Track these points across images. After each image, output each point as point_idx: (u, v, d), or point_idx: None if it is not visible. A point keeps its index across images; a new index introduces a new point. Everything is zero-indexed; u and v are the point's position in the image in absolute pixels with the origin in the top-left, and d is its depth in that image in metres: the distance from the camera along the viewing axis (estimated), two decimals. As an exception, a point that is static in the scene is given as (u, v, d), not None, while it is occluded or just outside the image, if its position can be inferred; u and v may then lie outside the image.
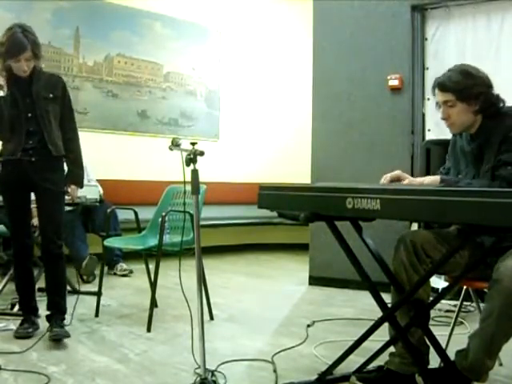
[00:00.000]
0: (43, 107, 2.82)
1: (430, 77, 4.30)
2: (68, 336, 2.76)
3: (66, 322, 2.91)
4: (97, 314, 3.36)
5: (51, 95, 2.86)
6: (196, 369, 2.34)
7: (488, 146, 2.14)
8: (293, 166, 6.45)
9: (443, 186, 2.07)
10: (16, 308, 3.24)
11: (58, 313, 2.87)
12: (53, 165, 2.88)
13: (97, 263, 4.41)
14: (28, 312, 2.94)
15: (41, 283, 3.19)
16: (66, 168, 3.00)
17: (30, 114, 2.80)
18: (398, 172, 2.22)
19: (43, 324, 2.91)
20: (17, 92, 2.79)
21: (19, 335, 2.83)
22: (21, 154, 2.77)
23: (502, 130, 2.09)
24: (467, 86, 2.12)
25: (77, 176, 3.01)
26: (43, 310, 2.94)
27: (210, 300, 3.36)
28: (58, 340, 2.74)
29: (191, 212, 2.98)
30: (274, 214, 2.23)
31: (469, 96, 2.11)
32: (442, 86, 2.18)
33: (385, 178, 2.21)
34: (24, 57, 2.71)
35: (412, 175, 4.40)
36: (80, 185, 3.04)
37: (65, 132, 2.94)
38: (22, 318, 2.94)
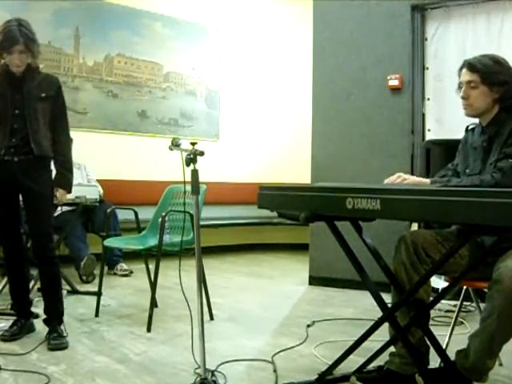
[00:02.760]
0: (32, 105, 2.76)
1: (430, 77, 4.31)
2: (66, 347, 2.71)
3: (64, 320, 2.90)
4: (97, 314, 3.36)
5: (43, 94, 2.79)
6: (196, 369, 2.34)
7: (497, 139, 2.16)
8: (293, 166, 6.45)
9: (442, 185, 2.07)
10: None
11: (54, 317, 2.84)
12: (36, 164, 2.77)
13: (95, 263, 4.42)
14: (20, 315, 2.90)
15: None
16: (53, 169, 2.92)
17: (17, 111, 2.74)
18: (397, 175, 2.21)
19: (42, 325, 2.89)
20: (8, 88, 2.75)
21: (5, 338, 2.78)
22: (4, 152, 2.72)
23: (511, 123, 2.12)
24: (494, 71, 2.15)
25: (65, 180, 2.89)
26: (42, 310, 2.93)
27: (209, 300, 3.36)
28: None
29: (191, 212, 2.98)
30: (274, 214, 2.23)
31: (493, 81, 2.15)
32: (471, 65, 2.19)
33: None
34: (16, 49, 2.67)
35: (412, 175, 4.38)
36: (68, 189, 2.92)
37: (56, 134, 2.86)
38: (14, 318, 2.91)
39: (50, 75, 2.97)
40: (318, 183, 2.89)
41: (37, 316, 3.03)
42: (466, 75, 2.20)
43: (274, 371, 2.43)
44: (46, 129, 2.82)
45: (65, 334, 2.80)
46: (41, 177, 2.80)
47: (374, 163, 4.34)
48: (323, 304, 3.92)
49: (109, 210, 3.92)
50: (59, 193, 2.88)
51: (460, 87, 2.24)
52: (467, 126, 2.39)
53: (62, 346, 2.71)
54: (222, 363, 2.49)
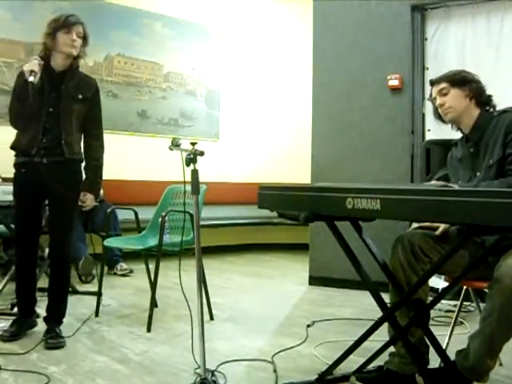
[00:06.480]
0: (68, 105, 2.72)
1: (430, 77, 4.30)
2: (63, 346, 2.72)
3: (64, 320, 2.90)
4: (97, 314, 3.36)
5: (80, 96, 2.77)
6: (196, 369, 2.35)
7: (483, 142, 2.20)
8: (293, 166, 6.45)
9: (444, 185, 2.06)
10: (16, 308, 3.23)
11: (55, 318, 2.84)
12: (66, 167, 2.76)
13: (93, 263, 4.42)
14: (24, 314, 2.89)
15: (40, 283, 3.18)
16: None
17: (51, 109, 2.70)
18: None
19: (41, 325, 2.89)
20: (46, 83, 2.70)
21: (5, 338, 2.76)
22: (35, 153, 2.67)
23: (504, 123, 2.14)
24: (458, 73, 2.32)
25: (95, 185, 2.88)
26: (42, 309, 2.92)
27: (209, 300, 3.36)
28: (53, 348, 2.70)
29: (191, 212, 2.98)
30: (274, 213, 2.23)
31: (460, 82, 2.28)
32: (435, 79, 2.40)
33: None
34: (76, 30, 2.68)
35: (412, 175, 4.39)
36: (96, 194, 2.90)
37: (89, 138, 2.85)
38: (14, 317, 2.90)
39: (88, 76, 2.94)
40: (317, 183, 2.88)
41: (38, 316, 3.03)
42: (435, 88, 2.36)
43: (274, 371, 2.44)
44: (77, 131, 2.80)
45: (63, 334, 2.80)
46: (69, 180, 2.78)
47: (374, 163, 4.34)
48: (323, 304, 3.92)
49: (109, 210, 3.92)
50: (88, 198, 2.85)
51: (436, 100, 2.35)
52: (451, 145, 2.45)
53: (60, 345, 2.71)
54: (222, 363, 2.49)
